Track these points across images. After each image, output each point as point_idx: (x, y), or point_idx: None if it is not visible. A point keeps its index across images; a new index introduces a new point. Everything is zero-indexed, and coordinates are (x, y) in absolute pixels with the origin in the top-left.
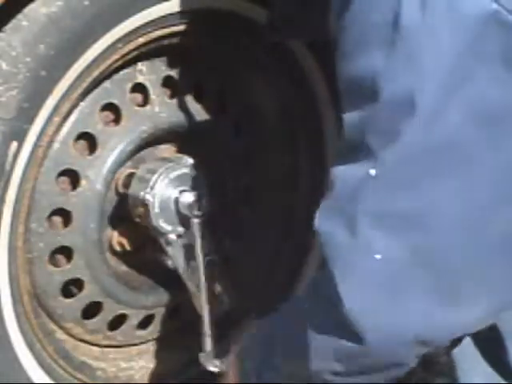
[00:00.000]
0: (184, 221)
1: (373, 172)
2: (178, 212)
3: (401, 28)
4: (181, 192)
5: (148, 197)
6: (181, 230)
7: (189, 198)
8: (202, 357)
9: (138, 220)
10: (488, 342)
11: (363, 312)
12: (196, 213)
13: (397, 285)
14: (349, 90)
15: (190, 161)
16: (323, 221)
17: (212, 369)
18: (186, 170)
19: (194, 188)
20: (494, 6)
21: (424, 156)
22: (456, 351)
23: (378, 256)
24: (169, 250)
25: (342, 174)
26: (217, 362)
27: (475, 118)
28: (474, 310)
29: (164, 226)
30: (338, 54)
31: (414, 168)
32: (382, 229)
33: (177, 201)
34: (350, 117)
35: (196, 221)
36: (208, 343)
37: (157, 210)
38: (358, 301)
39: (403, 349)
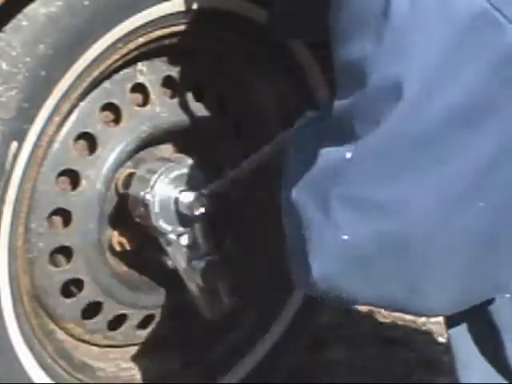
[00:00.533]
0: (184, 221)
1: (348, 155)
2: (178, 212)
3: (389, 19)
4: (181, 192)
5: (148, 197)
6: (181, 229)
7: (189, 197)
8: None
9: (138, 220)
10: (484, 336)
11: (328, 282)
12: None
13: (363, 266)
14: (340, 77)
15: (190, 161)
16: (299, 192)
17: None
18: (185, 170)
19: (193, 188)
20: (485, 4)
21: (402, 147)
22: (454, 349)
23: (345, 237)
24: (169, 249)
25: (325, 154)
26: None
27: (456, 114)
28: (440, 299)
29: (164, 225)
30: (332, 42)
31: (391, 158)
32: (351, 212)
33: (177, 201)
34: (339, 103)
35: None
36: None
37: (157, 209)
38: (326, 273)
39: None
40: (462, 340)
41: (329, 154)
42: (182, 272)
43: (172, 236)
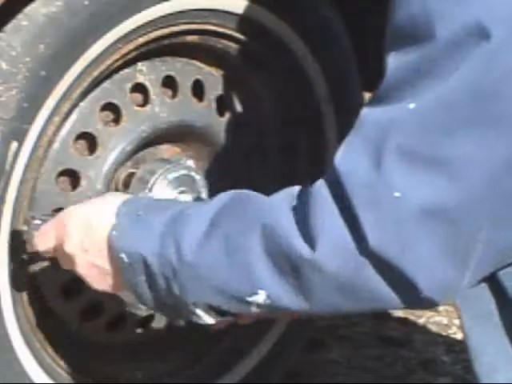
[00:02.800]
0: None
1: (412, 106)
2: None
3: None
4: (180, 193)
5: None
6: None
7: (188, 199)
8: None
9: None
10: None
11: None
12: None
13: (410, 229)
14: (400, 34)
15: (190, 162)
16: (344, 158)
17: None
18: (185, 171)
19: (193, 189)
20: None
21: (469, 102)
22: (475, 351)
23: (397, 194)
24: None
25: (374, 114)
26: None
27: None
28: (476, 273)
29: None
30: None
31: (456, 113)
32: (407, 167)
33: None
34: (397, 60)
35: None
36: None
37: None
38: (376, 230)
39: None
40: (485, 342)
41: (380, 114)
42: None
43: None
